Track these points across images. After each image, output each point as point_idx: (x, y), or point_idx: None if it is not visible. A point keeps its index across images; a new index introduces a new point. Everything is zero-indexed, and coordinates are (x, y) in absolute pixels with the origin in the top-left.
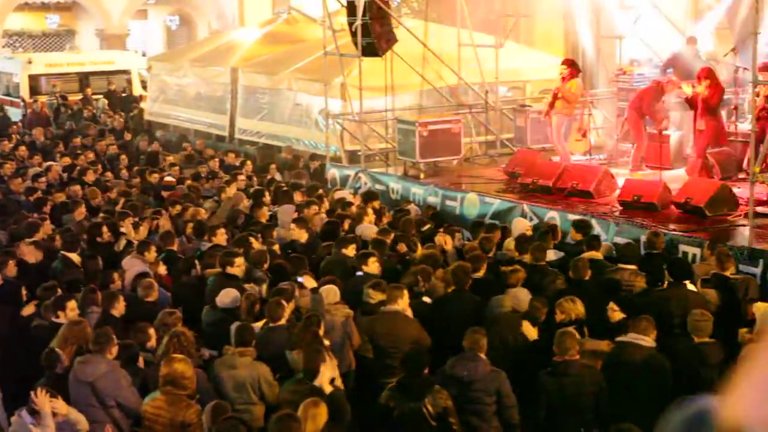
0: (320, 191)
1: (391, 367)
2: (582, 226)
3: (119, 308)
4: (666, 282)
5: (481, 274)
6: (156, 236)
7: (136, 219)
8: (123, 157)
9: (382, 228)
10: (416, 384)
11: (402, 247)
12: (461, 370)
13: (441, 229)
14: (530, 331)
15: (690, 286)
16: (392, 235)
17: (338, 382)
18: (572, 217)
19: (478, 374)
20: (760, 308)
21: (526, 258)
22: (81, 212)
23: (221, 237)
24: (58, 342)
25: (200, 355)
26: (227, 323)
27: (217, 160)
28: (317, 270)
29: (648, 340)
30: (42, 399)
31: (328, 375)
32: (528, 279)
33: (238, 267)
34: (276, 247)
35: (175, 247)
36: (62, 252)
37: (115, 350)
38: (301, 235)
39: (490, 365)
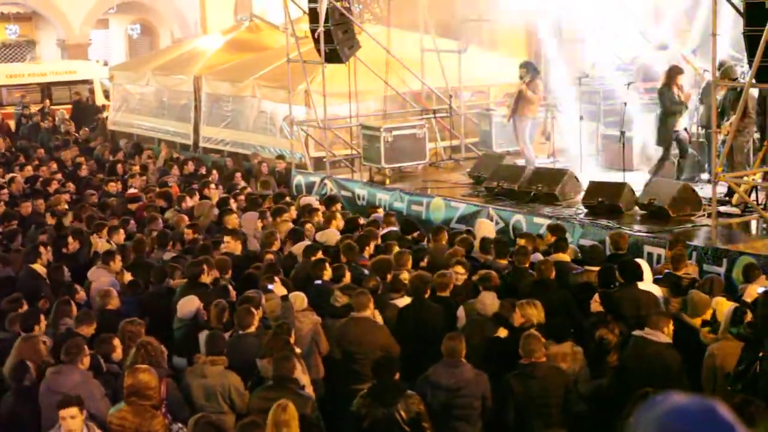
0: (287, 198)
1: (360, 373)
2: (556, 230)
3: (88, 331)
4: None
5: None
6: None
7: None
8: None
9: (346, 234)
10: (388, 390)
11: (368, 251)
12: (447, 378)
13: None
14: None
15: (644, 286)
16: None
17: (309, 390)
18: (537, 220)
19: (464, 380)
20: (720, 304)
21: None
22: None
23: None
24: (12, 357)
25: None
26: (193, 332)
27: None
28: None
29: (661, 336)
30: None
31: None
32: (508, 282)
33: (207, 276)
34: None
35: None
36: (26, 263)
37: (87, 361)
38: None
39: (474, 369)
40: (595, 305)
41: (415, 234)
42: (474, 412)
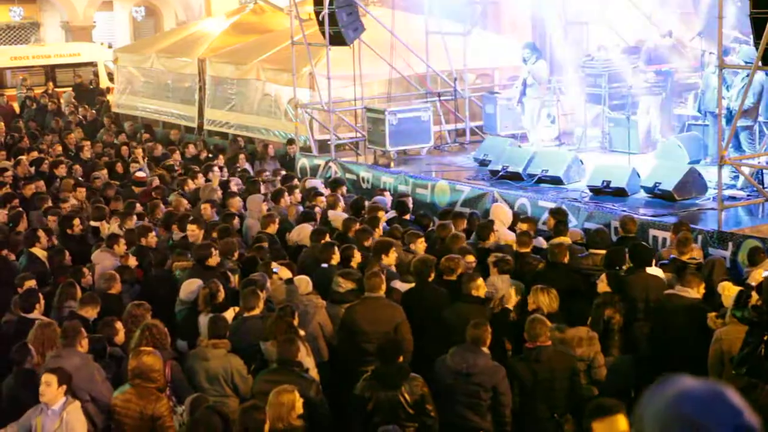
0: (294, 181)
1: (372, 353)
2: (557, 213)
3: (92, 313)
4: (626, 266)
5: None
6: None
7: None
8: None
9: (349, 217)
10: (392, 373)
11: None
12: (460, 362)
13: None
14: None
15: (652, 270)
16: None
17: (313, 373)
18: (543, 203)
19: (478, 367)
20: (727, 288)
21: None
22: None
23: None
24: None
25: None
26: (194, 315)
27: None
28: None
29: (692, 292)
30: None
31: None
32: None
33: (215, 258)
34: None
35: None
36: (26, 248)
37: (85, 343)
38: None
39: (491, 360)
40: (602, 285)
41: (407, 216)
42: (482, 403)
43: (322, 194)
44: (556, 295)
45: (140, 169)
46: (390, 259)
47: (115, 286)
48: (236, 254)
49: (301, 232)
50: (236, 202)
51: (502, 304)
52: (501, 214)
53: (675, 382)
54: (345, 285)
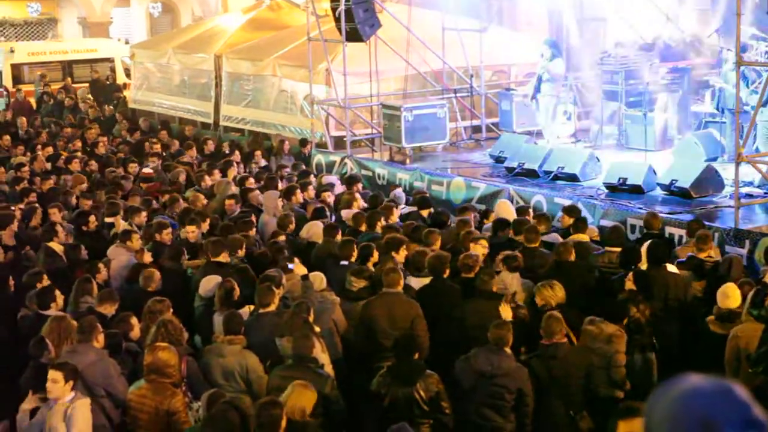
0: (310, 177)
1: (388, 349)
2: (572, 211)
3: (110, 310)
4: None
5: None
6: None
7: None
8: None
9: (358, 212)
10: (407, 369)
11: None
12: (485, 364)
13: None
14: (505, 312)
15: (672, 268)
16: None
17: (328, 369)
18: (558, 200)
19: (502, 369)
20: (730, 288)
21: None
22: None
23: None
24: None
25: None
26: (211, 311)
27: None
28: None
29: None
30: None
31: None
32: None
33: (226, 255)
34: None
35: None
36: (43, 242)
37: (101, 338)
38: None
39: (515, 361)
40: (629, 284)
41: (426, 211)
42: (506, 405)
43: (328, 190)
44: (560, 286)
45: (146, 166)
46: (401, 256)
47: (153, 285)
48: (241, 251)
49: (311, 229)
50: (252, 198)
51: (514, 301)
52: (505, 211)
53: (682, 380)
54: (357, 284)
